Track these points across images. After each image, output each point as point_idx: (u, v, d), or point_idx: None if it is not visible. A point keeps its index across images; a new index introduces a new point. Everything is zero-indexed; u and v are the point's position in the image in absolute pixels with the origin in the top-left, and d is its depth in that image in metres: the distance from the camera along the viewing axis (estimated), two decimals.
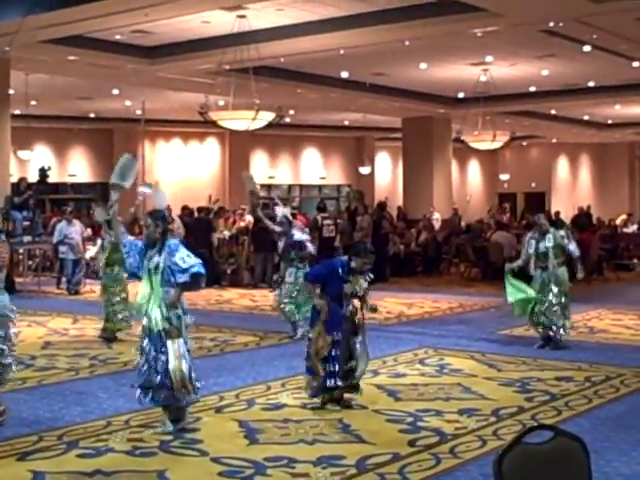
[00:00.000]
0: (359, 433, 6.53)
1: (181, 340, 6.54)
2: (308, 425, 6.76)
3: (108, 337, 10.94)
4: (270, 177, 33.00)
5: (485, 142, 21.86)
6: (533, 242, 10.37)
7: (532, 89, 23.11)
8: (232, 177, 30.81)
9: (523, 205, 36.18)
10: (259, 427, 6.70)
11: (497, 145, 22.23)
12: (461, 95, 24.18)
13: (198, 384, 6.71)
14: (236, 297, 16.20)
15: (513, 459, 2.92)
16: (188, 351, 6.61)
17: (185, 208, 19.60)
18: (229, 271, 18.08)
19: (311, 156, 33.57)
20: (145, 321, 6.62)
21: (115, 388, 7.99)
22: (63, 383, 8.48)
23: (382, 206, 21.57)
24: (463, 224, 25.12)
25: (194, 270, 6.52)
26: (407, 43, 16.51)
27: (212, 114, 16.50)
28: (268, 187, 33.60)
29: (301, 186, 33.26)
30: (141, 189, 7.27)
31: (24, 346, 10.44)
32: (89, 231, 18.50)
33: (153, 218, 6.75)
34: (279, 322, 11.95)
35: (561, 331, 10.33)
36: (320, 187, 33.60)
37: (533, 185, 36.83)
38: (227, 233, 17.84)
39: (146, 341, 6.61)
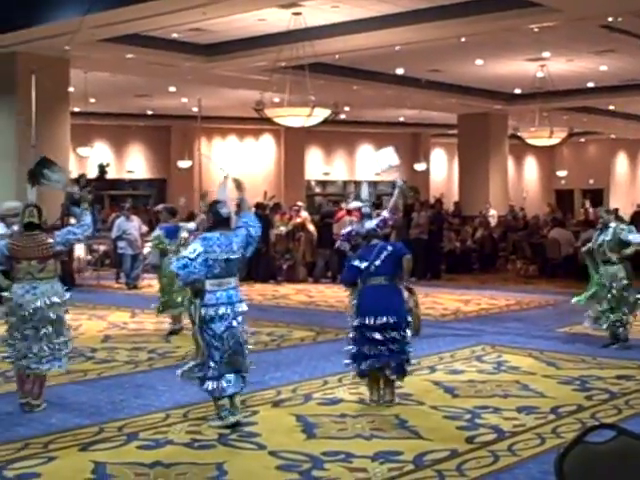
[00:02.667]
0: (416, 429, 6.52)
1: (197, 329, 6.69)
2: (365, 420, 6.77)
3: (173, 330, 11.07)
4: (325, 173, 33.08)
5: (542, 138, 21.65)
6: (596, 235, 10.25)
7: (590, 85, 22.81)
8: (287, 174, 30.95)
9: (581, 202, 35.74)
10: (316, 421, 6.72)
11: (554, 141, 22.00)
12: (518, 91, 23.96)
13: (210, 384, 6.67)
14: (292, 292, 16.26)
15: (574, 458, 2.89)
16: (207, 345, 6.61)
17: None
18: (285, 267, 18.15)
19: (366, 152, 33.53)
20: None
21: (174, 381, 8.04)
22: (123, 376, 8.60)
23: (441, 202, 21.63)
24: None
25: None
26: (463, 39, 16.42)
27: (268, 111, 16.59)
28: (323, 183, 33.78)
29: (356, 182, 33.20)
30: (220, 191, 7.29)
31: (85, 339, 10.66)
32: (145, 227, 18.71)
33: (209, 209, 6.95)
34: (335, 317, 11.98)
35: (624, 328, 10.19)
36: (375, 183, 33.51)
37: (591, 182, 36.36)
38: (283, 229, 17.91)
39: None
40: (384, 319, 7.22)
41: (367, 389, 7.44)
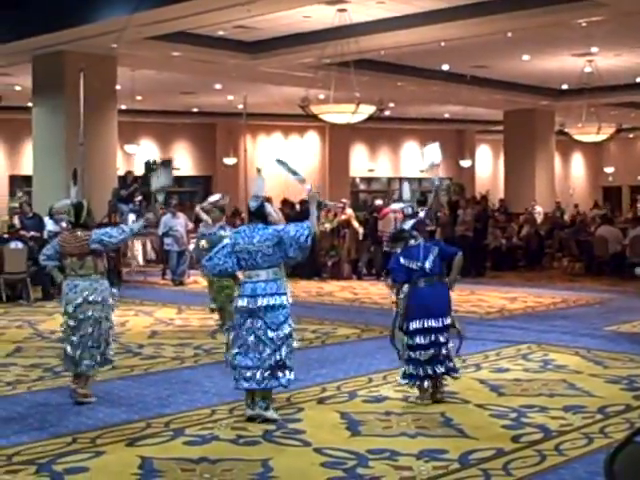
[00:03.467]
0: (462, 427, 6.48)
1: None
2: (410, 418, 6.75)
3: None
4: (370, 170, 33.05)
5: (590, 134, 21.46)
6: None
7: (639, 80, 22.50)
8: (332, 170, 30.97)
9: (630, 198, 35.29)
10: (361, 419, 6.71)
11: (602, 137, 21.79)
12: (565, 87, 23.76)
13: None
14: (337, 289, 16.27)
15: (625, 458, 2.85)
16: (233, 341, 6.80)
17: (286, 201, 19.77)
18: (330, 264, 18.16)
19: (411, 149, 33.45)
20: None
21: (219, 377, 8.10)
22: (169, 371, 8.67)
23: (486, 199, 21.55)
24: (566, 218, 24.71)
25: None
26: (509, 35, 16.31)
27: (313, 108, 16.61)
28: (368, 180, 33.75)
29: (401, 179, 33.16)
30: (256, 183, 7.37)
31: (132, 335, 10.78)
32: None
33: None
34: (380, 315, 11.96)
35: None
36: (420, 180, 33.43)
37: (639, 178, 35.89)
38: (328, 226, 17.91)
39: None
40: (446, 320, 7.25)
41: (417, 390, 7.35)
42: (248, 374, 6.65)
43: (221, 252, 6.80)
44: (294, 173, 7.23)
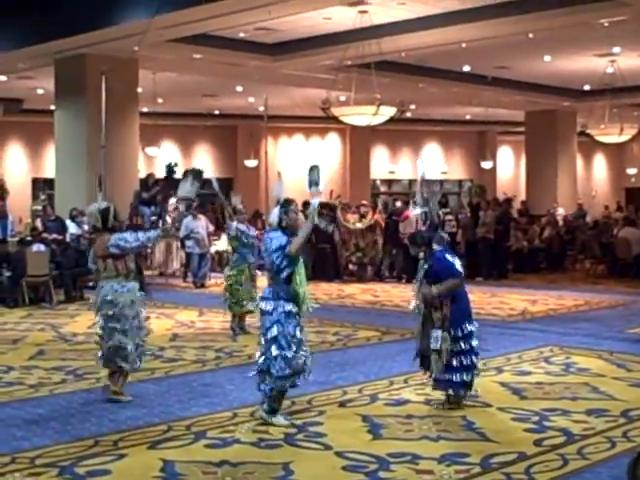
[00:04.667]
0: (483, 431, 6.46)
1: None
2: (431, 422, 6.72)
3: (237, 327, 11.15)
4: (391, 172, 33.01)
5: (612, 135, 21.33)
6: None
7: None
8: (353, 172, 30.96)
9: None
10: (382, 422, 6.70)
11: (625, 138, 21.65)
12: (587, 87, 23.63)
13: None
14: (358, 292, 16.22)
15: None
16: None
17: (307, 203, 19.74)
18: (351, 266, 18.10)
19: (432, 151, 33.38)
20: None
21: (241, 380, 8.10)
22: (190, 374, 8.68)
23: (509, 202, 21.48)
24: (589, 219, 24.56)
25: None
26: (531, 35, 16.25)
27: (334, 110, 16.62)
28: (388, 182, 33.70)
29: None
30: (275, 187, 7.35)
31: (153, 337, 10.67)
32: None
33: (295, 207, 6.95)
34: (401, 317, 11.93)
35: None
36: (441, 182, 33.33)
37: None
38: (360, 225, 17.82)
39: None
40: None
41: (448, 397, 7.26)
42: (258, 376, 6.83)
43: None
44: (313, 184, 6.92)
